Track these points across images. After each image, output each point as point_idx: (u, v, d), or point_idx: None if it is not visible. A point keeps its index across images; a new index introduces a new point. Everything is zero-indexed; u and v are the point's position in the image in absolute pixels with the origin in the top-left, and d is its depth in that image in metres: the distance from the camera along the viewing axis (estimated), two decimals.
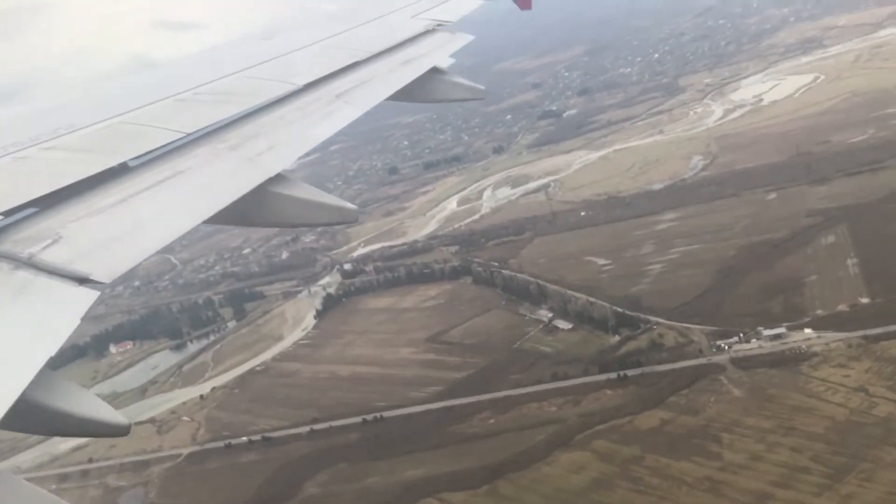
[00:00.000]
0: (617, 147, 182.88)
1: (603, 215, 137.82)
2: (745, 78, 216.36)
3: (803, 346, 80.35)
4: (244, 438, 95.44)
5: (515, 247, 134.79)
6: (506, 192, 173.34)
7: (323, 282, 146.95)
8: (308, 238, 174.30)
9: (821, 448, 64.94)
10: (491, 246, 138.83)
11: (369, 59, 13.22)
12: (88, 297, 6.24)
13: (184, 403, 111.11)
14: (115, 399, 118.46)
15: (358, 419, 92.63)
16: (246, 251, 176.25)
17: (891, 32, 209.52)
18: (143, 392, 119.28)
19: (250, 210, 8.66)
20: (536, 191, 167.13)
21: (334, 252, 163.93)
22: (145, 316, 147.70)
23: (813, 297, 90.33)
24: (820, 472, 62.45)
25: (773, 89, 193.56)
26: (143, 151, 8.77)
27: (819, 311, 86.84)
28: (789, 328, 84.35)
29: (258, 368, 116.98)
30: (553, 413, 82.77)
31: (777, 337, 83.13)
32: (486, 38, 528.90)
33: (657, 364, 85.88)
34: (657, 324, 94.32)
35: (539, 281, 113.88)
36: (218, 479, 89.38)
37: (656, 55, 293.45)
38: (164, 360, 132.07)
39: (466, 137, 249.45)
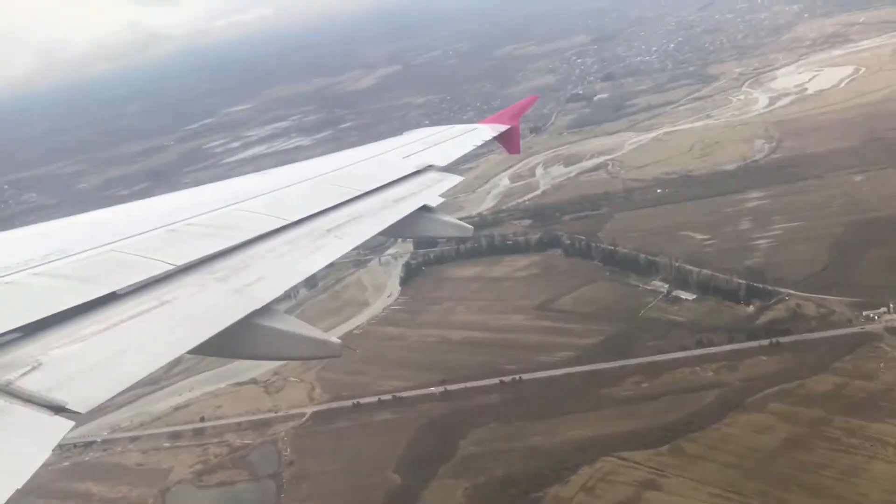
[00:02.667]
0: (667, 129, 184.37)
1: (681, 193, 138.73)
2: (777, 69, 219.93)
3: None
4: (374, 398, 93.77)
5: (595, 221, 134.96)
6: (560, 170, 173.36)
7: (391, 251, 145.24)
8: None
9: None
10: (568, 220, 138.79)
11: (361, 196, 13.38)
12: (63, 426, 6.17)
13: (284, 365, 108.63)
14: (200, 360, 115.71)
15: (493, 381, 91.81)
16: None
17: None
18: None
19: (235, 341, 8.55)
20: (594, 169, 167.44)
21: None
22: None
23: None
24: None
25: (813, 79, 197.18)
26: (132, 282, 8.74)
27: None
28: None
29: (356, 332, 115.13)
30: (711, 378, 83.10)
31: None
32: (478, 25, 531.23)
33: (806, 332, 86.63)
34: (789, 295, 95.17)
35: (644, 254, 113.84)
36: (356, 438, 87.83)
37: (672, 45, 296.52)
38: None
39: None
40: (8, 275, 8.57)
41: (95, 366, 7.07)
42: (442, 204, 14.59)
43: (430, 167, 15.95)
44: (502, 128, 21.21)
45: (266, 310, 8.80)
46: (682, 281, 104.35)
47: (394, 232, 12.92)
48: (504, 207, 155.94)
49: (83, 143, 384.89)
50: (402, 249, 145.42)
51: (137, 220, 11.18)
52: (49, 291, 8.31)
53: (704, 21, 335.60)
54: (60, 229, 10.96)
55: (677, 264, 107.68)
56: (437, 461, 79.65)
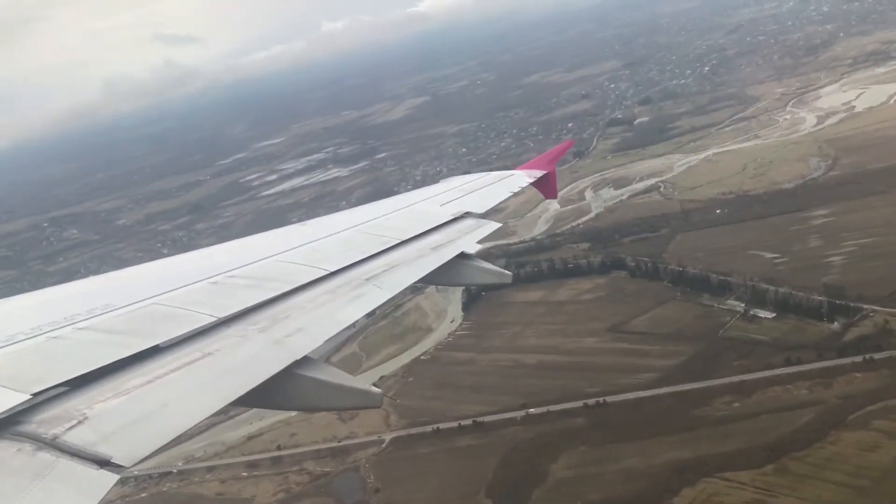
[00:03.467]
0: (715, 150, 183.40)
1: (742, 212, 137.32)
2: (821, 88, 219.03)
3: None
4: (453, 423, 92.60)
5: (656, 243, 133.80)
6: (611, 193, 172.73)
7: None
8: None
9: None
10: (628, 242, 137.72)
11: (399, 245, 13.52)
12: (107, 480, 6.22)
13: None
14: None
15: (576, 404, 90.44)
16: None
17: None
18: None
19: (277, 392, 8.63)
20: (646, 191, 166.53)
21: None
22: None
23: None
24: None
25: (859, 97, 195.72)
26: (174, 334, 8.89)
27: None
28: None
29: (423, 358, 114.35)
30: (806, 396, 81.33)
31: None
32: (500, 55, 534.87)
33: None
34: (874, 311, 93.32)
35: (715, 273, 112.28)
36: (440, 463, 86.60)
37: (706, 68, 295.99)
38: None
39: (532, 144, 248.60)
40: (54, 329, 8.73)
41: (139, 419, 7.16)
42: (483, 243, 14.75)
43: (467, 214, 16.02)
44: (539, 173, 21.47)
45: (306, 360, 8.91)
46: (758, 299, 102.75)
47: (432, 280, 12.93)
48: (558, 231, 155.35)
49: (118, 180, 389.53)
50: None
51: (180, 273, 11.35)
52: (94, 345, 8.45)
53: (736, 44, 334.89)
54: (104, 284, 11.35)
55: (752, 283, 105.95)
56: (529, 486, 78.30)
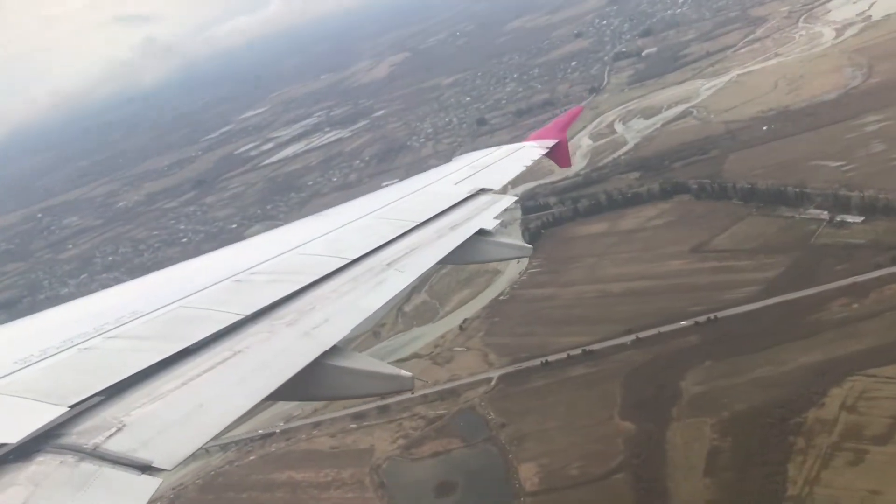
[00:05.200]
0: (739, 72, 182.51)
1: (790, 127, 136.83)
2: (828, 2, 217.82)
3: None
4: (561, 355, 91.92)
5: (710, 164, 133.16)
6: (642, 123, 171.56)
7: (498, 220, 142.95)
8: None
9: None
10: (679, 167, 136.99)
11: (417, 227, 13.77)
12: (150, 485, 6.34)
13: (442, 337, 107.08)
14: (350, 343, 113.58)
15: (685, 324, 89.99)
16: None
17: None
18: (376, 335, 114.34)
19: (308, 384, 8.73)
20: (680, 118, 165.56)
21: None
22: None
23: None
24: None
25: (873, 6, 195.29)
26: (203, 335, 9.00)
27: None
28: None
29: (502, 298, 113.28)
30: None
31: None
32: (473, 4, 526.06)
33: None
34: None
35: (789, 186, 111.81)
36: (559, 394, 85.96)
37: None
38: None
39: (539, 86, 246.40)
40: (85, 340, 8.81)
41: (176, 422, 7.24)
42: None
43: (482, 191, 16.05)
44: (551, 142, 20.94)
45: (335, 350, 9.00)
46: (840, 206, 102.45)
47: (454, 259, 12.94)
48: (601, 165, 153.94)
49: (103, 165, 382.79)
50: (510, 217, 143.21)
51: (202, 274, 11.54)
52: (125, 353, 8.60)
53: None
54: (129, 292, 11.55)
55: (832, 192, 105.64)
56: (665, 404, 77.82)
